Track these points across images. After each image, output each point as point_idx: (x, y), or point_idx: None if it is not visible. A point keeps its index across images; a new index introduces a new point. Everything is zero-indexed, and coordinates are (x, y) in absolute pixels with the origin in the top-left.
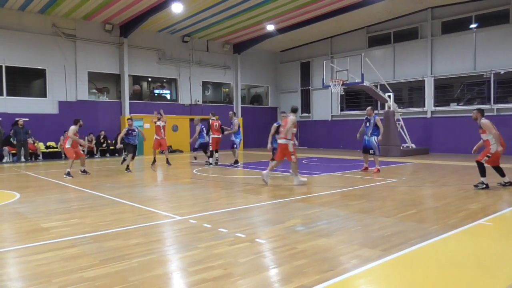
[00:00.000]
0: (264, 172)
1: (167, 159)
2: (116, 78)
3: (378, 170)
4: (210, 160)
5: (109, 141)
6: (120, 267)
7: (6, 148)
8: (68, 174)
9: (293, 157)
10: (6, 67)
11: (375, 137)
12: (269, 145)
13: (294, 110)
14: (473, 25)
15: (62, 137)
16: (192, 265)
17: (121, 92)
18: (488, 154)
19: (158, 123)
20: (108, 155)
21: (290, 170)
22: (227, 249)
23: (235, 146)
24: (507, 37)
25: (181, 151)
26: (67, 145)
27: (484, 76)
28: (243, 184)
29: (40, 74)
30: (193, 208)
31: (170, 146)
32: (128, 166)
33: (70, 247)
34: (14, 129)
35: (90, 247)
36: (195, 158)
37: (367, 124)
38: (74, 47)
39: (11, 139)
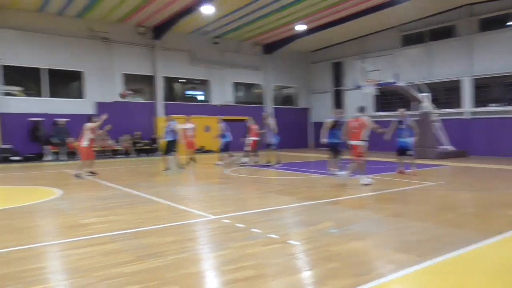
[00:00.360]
0: (343, 172)
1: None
2: (150, 80)
3: (416, 172)
4: (245, 159)
5: (143, 141)
6: (156, 264)
7: (47, 147)
8: (79, 175)
9: (361, 158)
10: (46, 69)
11: (411, 138)
12: (324, 140)
13: (362, 110)
14: None
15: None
16: (225, 264)
17: (155, 93)
18: None
19: (184, 125)
20: (143, 154)
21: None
22: (259, 250)
23: (272, 147)
24: None
25: (213, 152)
26: (84, 144)
27: None
28: (276, 185)
29: (77, 76)
30: (226, 208)
31: (203, 147)
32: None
33: (108, 242)
34: (54, 129)
35: (127, 243)
36: (231, 156)
37: (401, 126)
38: (109, 50)
39: (52, 139)
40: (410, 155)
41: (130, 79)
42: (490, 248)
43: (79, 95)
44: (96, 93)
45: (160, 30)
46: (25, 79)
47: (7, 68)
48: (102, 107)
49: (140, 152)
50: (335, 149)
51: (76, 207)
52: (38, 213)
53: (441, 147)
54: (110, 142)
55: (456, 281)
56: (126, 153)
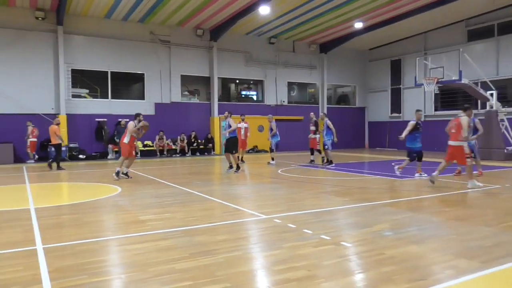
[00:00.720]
0: (434, 173)
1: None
2: (206, 81)
3: (481, 173)
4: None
5: (199, 140)
6: (208, 261)
7: (110, 146)
8: (118, 173)
9: (468, 160)
10: (111, 72)
11: (475, 139)
12: (403, 137)
13: (467, 109)
14: None
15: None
16: (276, 264)
17: (210, 94)
18: None
19: (239, 125)
20: (198, 153)
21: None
22: (311, 251)
23: (326, 147)
24: None
25: (266, 151)
26: (125, 140)
27: None
28: (329, 186)
29: (139, 78)
30: (278, 208)
31: (256, 146)
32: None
33: (163, 239)
34: (117, 129)
35: (181, 241)
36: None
37: (420, 129)
38: (168, 52)
39: (115, 138)
40: (473, 156)
41: (188, 80)
42: None
43: (140, 96)
44: (156, 94)
45: (217, 32)
46: (92, 81)
47: (75, 71)
48: (160, 107)
49: (195, 151)
50: (414, 152)
51: (135, 204)
52: (101, 209)
53: (509, 148)
54: (167, 141)
55: None
56: (182, 152)
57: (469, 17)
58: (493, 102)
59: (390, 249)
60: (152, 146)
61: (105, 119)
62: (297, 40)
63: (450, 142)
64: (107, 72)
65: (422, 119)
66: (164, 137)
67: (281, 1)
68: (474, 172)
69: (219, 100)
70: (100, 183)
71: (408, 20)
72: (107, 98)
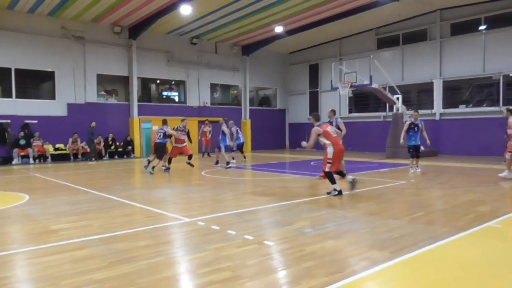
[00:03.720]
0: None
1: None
2: (125, 80)
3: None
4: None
5: (117, 143)
6: (129, 269)
7: (16, 150)
8: (168, 169)
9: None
10: (16, 69)
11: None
12: (402, 141)
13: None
14: (482, 27)
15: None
16: (200, 267)
17: (130, 94)
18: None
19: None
20: (116, 157)
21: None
22: (235, 251)
23: (218, 149)
24: None
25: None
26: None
27: (493, 78)
28: (252, 186)
29: (49, 76)
30: (202, 210)
31: None
32: (153, 167)
33: (79, 249)
34: (22, 131)
35: (99, 249)
36: (233, 158)
37: (416, 129)
38: (83, 50)
39: (20, 141)
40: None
41: (105, 80)
42: (458, 243)
43: (50, 96)
44: (69, 94)
45: (136, 30)
46: None
47: None
48: (74, 108)
49: (113, 154)
50: (410, 149)
51: (46, 212)
52: (5, 219)
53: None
54: (81, 144)
55: (428, 276)
56: (99, 156)
57: (378, 26)
58: (399, 105)
59: (310, 245)
60: (65, 150)
61: (9, 121)
62: (220, 41)
63: None
64: (10, 69)
65: (415, 120)
66: (79, 140)
67: (203, 1)
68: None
69: (139, 100)
70: (4, 191)
71: (325, 27)
72: (11, 97)
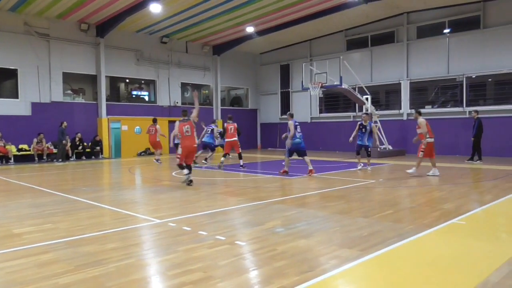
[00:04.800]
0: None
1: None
2: (93, 79)
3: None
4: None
5: (84, 144)
6: (96, 273)
7: None
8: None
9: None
10: None
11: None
12: (351, 139)
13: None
14: (446, 30)
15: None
16: (171, 269)
17: (98, 94)
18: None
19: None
20: (84, 157)
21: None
22: (206, 252)
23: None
24: (478, 42)
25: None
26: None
27: (457, 80)
28: (223, 186)
29: (11, 74)
30: (172, 211)
31: (148, 149)
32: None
33: (44, 253)
34: None
35: (65, 253)
36: (206, 159)
37: (363, 130)
38: (48, 47)
39: None
40: (369, 155)
41: (71, 78)
42: (425, 239)
43: (12, 94)
44: (33, 93)
45: (104, 27)
46: None
47: None
48: (38, 107)
49: (81, 155)
50: (360, 149)
51: (8, 216)
52: None
53: (381, 146)
54: (47, 145)
55: (395, 272)
56: (66, 157)
57: (347, 28)
58: (368, 105)
59: (282, 244)
60: (29, 150)
61: None
62: (190, 41)
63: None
64: None
65: (364, 122)
66: (44, 140)
67: (173, 0)
68: (366, 167)
69: (107, 100)
70: None
71: (296, 28)
72: None
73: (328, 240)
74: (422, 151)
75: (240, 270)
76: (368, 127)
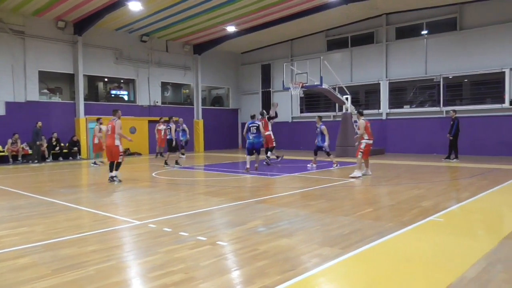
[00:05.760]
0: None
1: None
2: (70, 78)
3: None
4: (269, 154)
5: (61, 144)
6: (76, 276)
7: None
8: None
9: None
10: None
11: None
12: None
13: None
14: (424, 32)
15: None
16: (152, 271)
17: (75, 93)
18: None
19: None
20: (61, 158)
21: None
22: (188, 253)
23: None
24: (455, 43)
25: (139, 154)
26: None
27: (435, 80)
28: (204, 186)
29: None
30: (153, 212)
31: (128, 149)
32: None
33: (20, 257)
34: None
35: (42, 256)
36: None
37: (316, 131)
38: (23, 45)
39: None
40: (329, 154)
41: (48, 77)
42: (404, 236)
43: None
44: (7, 92)
45: (82, 25)
46: None
47: None
48: (13, 107)
49: (58, 156)
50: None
51: None
52: None
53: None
54: (22, 146)
55: (375, 269)
56: (42, 158)
57: (328, 28)
58: (348, 105)
59: (264, 244)
60: (3, 152)
61: None
62: (171, 39)
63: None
64: None
65: (317, 124)
66: (19, 141)
67: None
68: (332, 168)
69: (85, 99)
70: None
71: (277, 27)
72: None
73: (310, 239)
74: (361, 152)
75: (222, 270)
76: (318, 129)
